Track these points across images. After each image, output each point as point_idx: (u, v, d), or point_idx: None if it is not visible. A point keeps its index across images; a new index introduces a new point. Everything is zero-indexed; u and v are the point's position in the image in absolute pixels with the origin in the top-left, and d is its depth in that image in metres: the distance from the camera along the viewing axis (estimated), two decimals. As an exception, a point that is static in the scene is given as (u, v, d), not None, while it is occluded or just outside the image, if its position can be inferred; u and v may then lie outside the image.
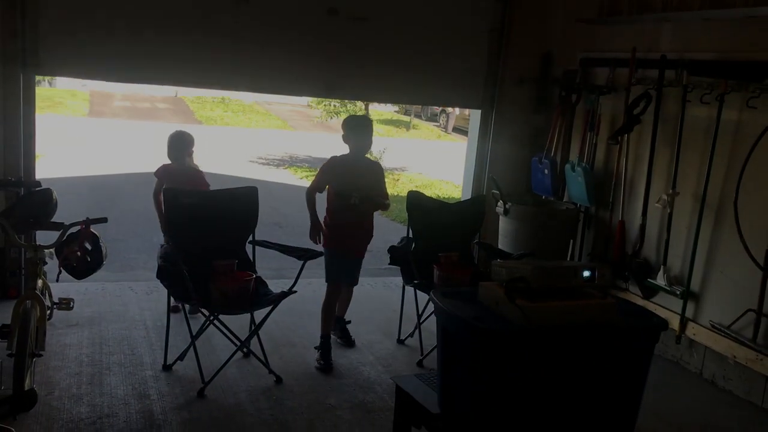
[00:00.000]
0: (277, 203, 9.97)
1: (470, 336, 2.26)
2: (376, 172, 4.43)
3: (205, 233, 4.17)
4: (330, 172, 4.35)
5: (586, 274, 2.39)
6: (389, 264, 4.64)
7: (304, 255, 4.04)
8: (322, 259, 4.32)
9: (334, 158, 4.39)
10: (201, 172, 4.81)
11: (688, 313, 4.55)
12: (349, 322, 4.73)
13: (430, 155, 16.82)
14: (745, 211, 4.07)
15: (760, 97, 4.07)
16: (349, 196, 4.17)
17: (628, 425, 2.45)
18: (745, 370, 4.18)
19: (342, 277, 4.45)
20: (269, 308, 3.97)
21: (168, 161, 4.75)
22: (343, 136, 4.33)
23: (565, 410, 2.25)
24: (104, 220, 3.82)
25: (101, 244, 3.90)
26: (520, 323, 2.24)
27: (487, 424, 2.29)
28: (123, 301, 5.04)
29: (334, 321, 4.55)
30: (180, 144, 4.73)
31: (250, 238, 4.32)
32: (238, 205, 4.30)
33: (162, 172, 4.75)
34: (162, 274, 3.87)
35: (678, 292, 4.56)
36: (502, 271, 2.47)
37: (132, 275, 5.87)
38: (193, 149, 4.82)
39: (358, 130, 4.31)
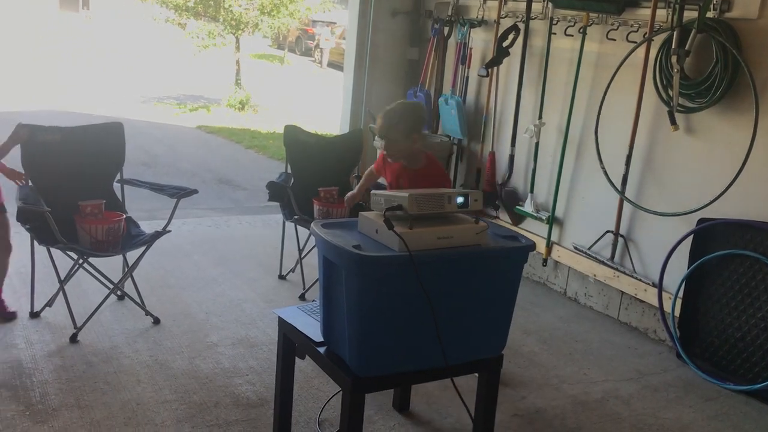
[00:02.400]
0: (144, 142, 9.54)
1: (351, 264, 2.29)
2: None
3: (68, 172, 3.93)
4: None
5: (460, 200, 2.47)
6: (268, 200, 4.59)
7: (177, 193, 3.91)
8: (197, 198, 4.19)
9: None
10: None
11: (553, 237, 4.83)
12: None
13: (305, 90, 16.57)
14: (604, 139, 4.33)
15: (618, 29, 4.29)
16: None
17: (500, 341, 2.60)
18: (604, 287, 4.52)
19: None
20: (143, 249, 3.85)
21: None
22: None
23: (443, 330, 2.35)
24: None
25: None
26: (399, 249, 2.29)
27: (367, 348, 2.36)
28: (-21, 249, 4.70)
29: None
30: None
31: (118, 177, 4.12)
32: (103, 142, 4.07)
33: None
34: (23, 217, 3.63)
35: (544, 218, 4.83)
36: (380, 200, 2.50)
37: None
38: None
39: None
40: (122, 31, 22.56)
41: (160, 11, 13.74)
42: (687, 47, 3.77)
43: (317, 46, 22.23)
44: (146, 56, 19.92)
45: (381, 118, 3.27)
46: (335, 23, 22.36)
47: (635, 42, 4.15)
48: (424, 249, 2.34)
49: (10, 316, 3.78)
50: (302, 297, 4.44)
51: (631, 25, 4.21)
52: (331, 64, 21.13)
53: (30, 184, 3.82)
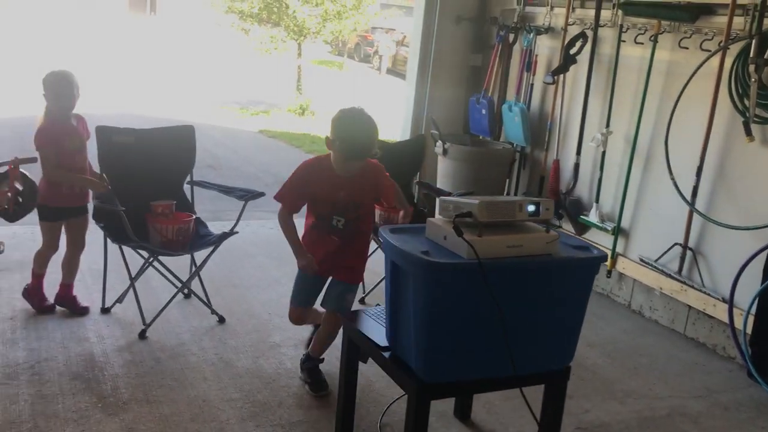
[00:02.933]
0: (209, 144, 9.75)
1: (420, 270, 2.30)
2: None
3: (141, 173, 4.05)
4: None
5: (531, 208, 2.45)
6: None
7: (245, 195, 3.98)
8: (261, 200, 4.25)
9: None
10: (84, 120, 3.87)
11: (619, 248, 4.74)
12: (322, 360, 3.46)
13: (363, 96, 16.68)
14: (674, 150, 4.23)
15: (692, 37, 4.19)
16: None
17: (569, 352, 2.56)
18: (671, 300, 4.41)
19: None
20: (210, 249, 3.93)
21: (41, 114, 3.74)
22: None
23: (511, 339, 2.33)
24: (34, 159, 3.66)
25: (33, 183, 3.74)
26: (468, 256, 2.29)
27: (434, 354, 2.35)
28: (54, 245, 4.87)
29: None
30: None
31: (188, 178, 4.23)
32: (175, 145, 4.18)
33: (44, 138, 3.62)
34: (98, 216, 3.76)
35: (609, 229, 4.74)
36: (449, 207, 2.50)
37: (62, 218, 5.67)
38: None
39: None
40: (187, 35, 23.15)
41: (225, 17, 14.04)
42: (766, 56, 3.65)
43: (376, 52, 22.34)
44: (210, 60, 20.39)
45: (369, 132, 3.08)
46: (394, 30, 22.44)
47: (709, 50, 4.04)
48: (493, 257, 2.33)
49: (83, 311, 3.92)
50: (362, 301, 4.46)
51: (706, 33, 4.10)
52: (389, 71, 21.22)
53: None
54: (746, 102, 3.80)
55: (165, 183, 4.13)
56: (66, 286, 3.93)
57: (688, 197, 4.17)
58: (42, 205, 3.74)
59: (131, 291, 3.86)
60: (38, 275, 3.89)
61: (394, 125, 8.95)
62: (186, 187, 4.22)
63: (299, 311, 3.43)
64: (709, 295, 4.12)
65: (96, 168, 3.93)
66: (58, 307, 3.92)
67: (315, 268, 3.23)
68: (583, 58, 4.89)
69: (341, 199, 3.17)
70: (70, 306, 3.92)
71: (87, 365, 3.38)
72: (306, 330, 3.72)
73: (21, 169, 3.67)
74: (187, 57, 20.52)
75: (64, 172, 3.66)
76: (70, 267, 3.93)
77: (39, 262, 3.88)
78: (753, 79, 3.70)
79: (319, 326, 3.44)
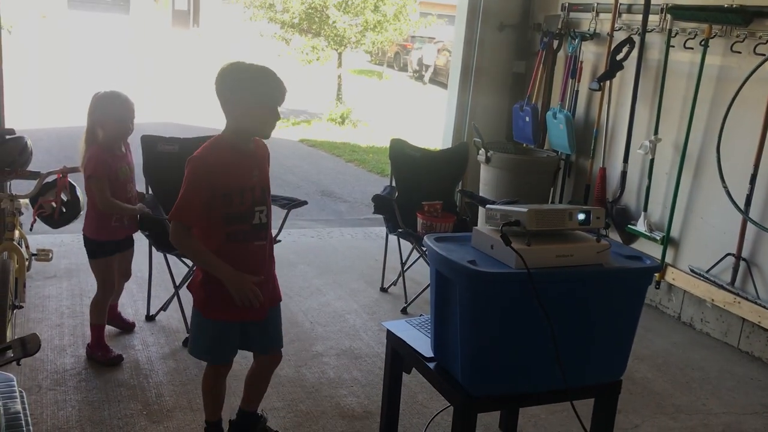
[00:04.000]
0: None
1: (467, 280, 2.25)
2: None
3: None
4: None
5: (581, 217, 2.38)
6: (373, 213, 4.61)
7: (288, 204, 3.99)
8: (303, 209, 4.24)
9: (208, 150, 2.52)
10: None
11: (668, 259, 4.61)
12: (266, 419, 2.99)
13: (403, 105, 16.68)
14: (726, 157, 4.10)
15: (745, 41, 4.06)
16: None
17: (620, 365, 2.48)
18: (723, 312, 4.27)
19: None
20: (253, 257, 3.93)
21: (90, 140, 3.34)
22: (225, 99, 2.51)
23: (561, 352, 2.27)
24: (77, 169, 3.71)
25: (78, 193, 3.80)
26: (516, 266, 2.23)
27: (481, 367, 2.30)
28: (100, 253, 4.95)
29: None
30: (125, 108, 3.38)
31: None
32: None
33: (100, 166, 3.28)
34: (143, 224, 3.80)
35: (658, 238, 4.62)
36: (496, 215, 2.45)
37: (108, 227, 5.76)
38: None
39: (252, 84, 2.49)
40: (229, 47, 23.48)
41: (266, 27, 14.17)
42: (824, 59, 3.52)
43: (420, 61, 22.29)
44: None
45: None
46: (434, 38, 22.42)
47: (763, 54, 3.91)
48: (543, 267, 2.27)
49: (130, 327, 3.86)
50: (404, 311, 4.42)
51: (760, 37, 3.98)
52: (432, 81, 21.18)
53: (150, 192, 3.99)
54: (803, 107, 3.67)
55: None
56: (112, 307, 3.77)
57: (742, 206, 4.03)
58: (92, 242, 3.40)
59: (175, 299, 3.89)
60: (99, 326, 3.48)
61: (435, 134, 8.90)
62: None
63: (228, 367, 2.76)
64: (764, 307, 3.98)
65: (140, 177, 3.96)
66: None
67: (260, 297, 2.51)
68: (630, 64, 4.79)
69: (257, 180, 2.54)
70: (118, 324, 3.81)
71: (133, 372, 3.41)
72: (347, 339, 3.68)
73: (68, 179, 3.73)
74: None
75: (119, 203, 3.34)
76: (116, 293, 3.75)
77: (98, 312, 3.47)
78: (811, 84, 3.57)
79: (252, 373, 2.86)
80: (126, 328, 3.85)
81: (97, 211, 3.34)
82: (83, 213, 3.84)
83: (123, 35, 24.72)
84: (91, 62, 18.19)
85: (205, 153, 2.48)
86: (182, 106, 13.90)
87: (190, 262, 3.85)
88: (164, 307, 3.99)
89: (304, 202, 4.03)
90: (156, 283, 4.10)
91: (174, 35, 26.64)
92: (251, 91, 2.46)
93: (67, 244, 5.02)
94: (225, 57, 22.10)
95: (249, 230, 2.53)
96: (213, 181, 2.44)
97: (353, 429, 3.08)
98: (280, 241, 3.97)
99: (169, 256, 3.84)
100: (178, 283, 3.88)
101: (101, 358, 3.46)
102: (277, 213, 3.97)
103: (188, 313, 3.83)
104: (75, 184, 3.81)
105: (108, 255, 3.45)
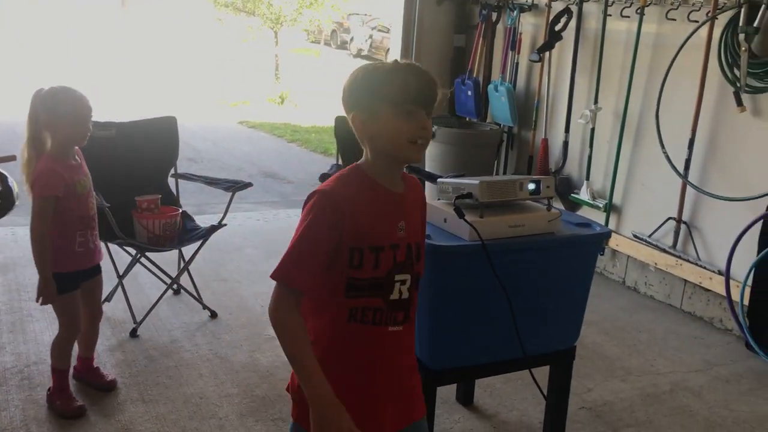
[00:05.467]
0: (188, 137, 9.59)
1: (421, 254, 2.24)
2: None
3: (124, 167, 3.93)
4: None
5: (532, 186, 2.39)
6: (319, 192, 4.53)
7: (232, 186, 3.89)
8: (246, 192, 4.15)
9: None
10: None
11: (611, 225, 4.70)
12: None
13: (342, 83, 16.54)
14: (665, 123, 4.19)
15: (679, 9, 4.14)
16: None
17: (574, 332, 2.52)
18: (665, 275, 4.39)
19: None
20: (198, 243, 3.84)
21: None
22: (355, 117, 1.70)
23: (517, 322, 2.28)
24: (13, 158, 3.52)
25: (11, 183, 3.62)
26: (470, 238, 2.22)
27: (439, 340, 2.30)
28: (37, 246, 4.74)
29: None
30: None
31: (172, 171, 4.12)
32: (157, 136, 4.07)
33: (52, 183, 2.73)
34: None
35: (601, 206, 4.70)
36: (448, 189, 2.44)
37: (43, 218, 5.53)
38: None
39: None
40: (158, 28, 22.79)
41: (201, 7, 13.83)
42: (756, 24, 3.61)
43: (352, 39, 22.17)
44: (184, 53, 20.11)
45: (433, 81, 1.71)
46: (370, 15, 22.28)
47: (697, 21, 3.99)
48: (496, 237, 2.27)
49: (110, 386, 3.13)
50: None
51: (693, 4, 4.06)
52: (365, 57, 21.05)
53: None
54: (736, 72, 3.76)
55: (149, 177, 4.02)
56: (85, 360, 3.15)
57: (681, 170, 4.13)
58: (55, 274, 2.76)
59: (120, 289, 3.77)
60: (61, 371, 2.94)
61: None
62: (170, 181, 4.11)
63: None
64: (704, 268, 4.10)
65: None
66: (38, 306, 3.64)
67: None
68: (569, 34, 4.83)
69: (404, 236, 1.70)
70: (94, 381, 3.12)
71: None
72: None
73: (0, 169, 3.55)
74: (160, 50, 20.23)
75: (43, 256, 2.71)
76: (89, 341, 3.13)
77: (60, 354, 2.92)
78: (743, 48, 3.66)
79: None
80: (106, 386, 3.12)
81: (53, 237, 2.75)
82: (18, 204, 3.67)
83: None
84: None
85: (336, 186, 1.66)
86: (113, 93, 13.46)
87: (133, 251, 3.73)
88: (108, 298, 3.85)
89: (249, 184, 3.94)
90: (98, 274, 3.96)
91: (100, 18, 25.68)
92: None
93: (0, 238, 4.80)
94: (154, 39, 21.42)
95: (383, 308, 1.67)
96: (342, 228, 1.61)
97: (311, 410, 3.05)
98: (225, 225, 3.90)
99: (110, 245, 3.70)
100: (121, 273, 3.76)
101: (60, 408, 2.90)
102: (220, 196, 3.89)
103: (134, 302, 3.73)
104: (6, 174, 3.62)
105: (74, 288, 2.88)
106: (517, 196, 2.39)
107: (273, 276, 1.61)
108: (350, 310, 1.65)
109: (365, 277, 1.64)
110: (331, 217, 1.60)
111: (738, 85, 3.75)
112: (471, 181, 2.35)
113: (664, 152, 4.15)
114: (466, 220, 2.24)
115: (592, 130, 4.73)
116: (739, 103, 3.76)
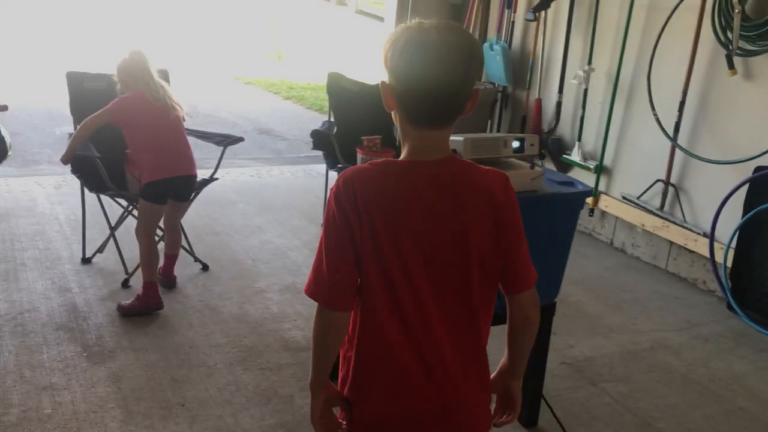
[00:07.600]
0: (183, 91, 9.55)
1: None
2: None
3: (116, 120, 3.94)
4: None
5: (516, 144, 2.42)
6: (312, 149, 4.57)
7: (223, 140, 3.91)
8: (239, 147, 4.16)
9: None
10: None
11: (601, 187, 4.74)
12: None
13: (340, 40, 16.37)
14: (656, 85, 4.20)
15: (675, -31, 4.11)
16: None
17: (554, 288, 2.57)
18: (652, 237, 4.44)
19: None
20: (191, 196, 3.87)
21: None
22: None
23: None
24: (5, 107, 3.55)
25: (3, 133, 3.64)
26: (453, 194, 2.26)
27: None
28: (31, 197, 4.77)
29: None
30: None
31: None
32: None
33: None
34: (74, 165, 3.68)
35: (591, 167, 4.73)
36: (433, 145, 2.47)
37: (37, 170, 5.55)
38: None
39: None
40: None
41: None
42: (750, -14, 3.60)
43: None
44: (176, 6, 19.82)
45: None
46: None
47: (693, -18, 3.97)
48: (479, 194, 2.31)
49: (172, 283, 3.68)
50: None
51: (689, -35, 4.03)
52: (359, 12, 20.75)
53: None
54: (729, 34, 3.76)
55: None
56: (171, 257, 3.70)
57: (671, 133, 4.16)
58: (147, 183, 3.36)
59: (112, 241, 3.81)
60: (152, 282, 3.39)
61: (371, 68, 8.79)
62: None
63: None
64: (690, 230, 4.16)
65: (67, 116, 3.81)
66: (31, 256, 3.84)
67: None
68: (565, -7, 4.80)
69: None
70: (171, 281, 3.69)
71: (70, 315, 3.35)
72: (290, 275, 3.69)
73: (-9, 118, 3.56)
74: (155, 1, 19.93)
75: (84, 130, 3.36)
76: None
77: (150, 264, 3.40)
78: (736, 11, 3.66)
79: None
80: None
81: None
82: (11, 154, 3.69)
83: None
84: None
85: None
86: (108, 45, 13.33)
87: (124, 202, 3.77)
88: (100, 249, 3.91)
89: (240, 139, 3.95)
90: (90, 226, 4.00)
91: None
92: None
93: (-7, 188, 4.84)
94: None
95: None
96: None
97: (298, 360, 3.13)
98: (217, 179, 3.93)
99: (102, 196, 3.74)
100: (113, 224, 3.80)
101: (153, 302, 3.39)
102: (212, 150, 3.92)
103: (126, 254, 3.78)
104: (-2, 125, 3.65)
105: (163, 201, 3.43)
106: (501, 153, 2.41)
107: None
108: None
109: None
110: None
111: (730, 47, 3.75)
112: (456, 138, 2.37)
113: (655, 114, 4.17)
114: (449, 176, 2.28)
115: (585, 90, 4.73)
116: (731, 66, 3.76)
